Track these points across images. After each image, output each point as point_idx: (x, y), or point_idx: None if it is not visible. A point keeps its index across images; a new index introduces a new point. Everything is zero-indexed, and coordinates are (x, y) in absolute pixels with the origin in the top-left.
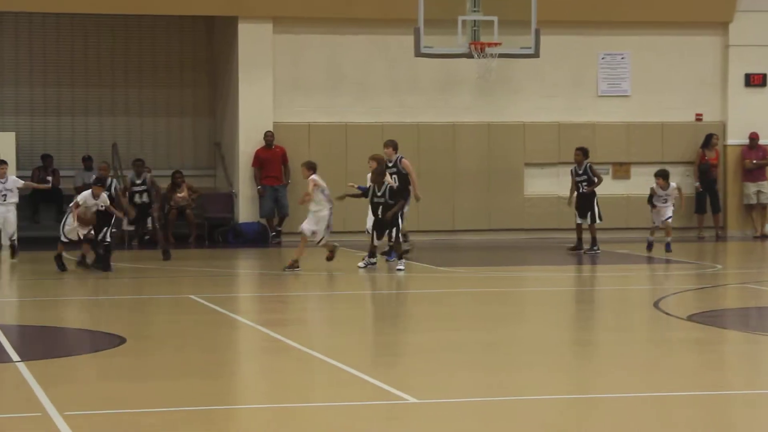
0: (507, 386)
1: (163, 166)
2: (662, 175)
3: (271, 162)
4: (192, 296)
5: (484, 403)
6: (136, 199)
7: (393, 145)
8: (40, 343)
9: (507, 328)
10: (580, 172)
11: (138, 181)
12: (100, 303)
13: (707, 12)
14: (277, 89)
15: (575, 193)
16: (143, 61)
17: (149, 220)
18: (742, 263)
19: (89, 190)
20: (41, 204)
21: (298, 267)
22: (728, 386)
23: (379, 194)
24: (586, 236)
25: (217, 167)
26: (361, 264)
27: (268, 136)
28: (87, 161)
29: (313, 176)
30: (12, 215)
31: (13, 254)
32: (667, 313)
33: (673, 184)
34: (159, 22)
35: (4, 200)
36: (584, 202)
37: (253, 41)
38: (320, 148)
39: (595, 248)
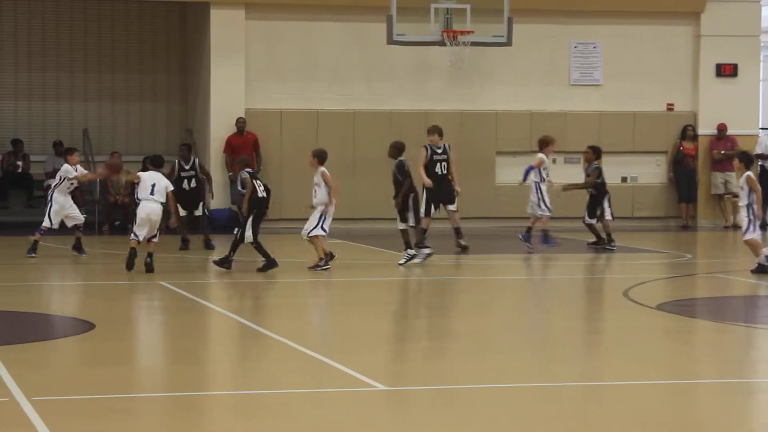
0: (475, 374)
1: (135, 151)
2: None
3: (243, 149)
4: (162, 282)
5: (453, 390)
6: (185, 185)
7: (438, 131)
8: (8, 328)
9: (476, 316)
10: (588, 172)
11: (186, 167)
12: (69, 288)
13: (679, 2)
14: (249, 75)
15: (580, 189)
16: (116, 46)
17: (200, 207)
18: (711, 253)
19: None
20: (11, 190)
21: (324, 263)
22: (697, 375)
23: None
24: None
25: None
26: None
27: (240, 123)
28: (58, 146)
29: (323, 169)
30: None
31: None
32: (636, 302)
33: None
34: (132, 7)
35: None
36: (592, 202)
37: (226, 27)
38: (292, 135)
39: (612, 244)
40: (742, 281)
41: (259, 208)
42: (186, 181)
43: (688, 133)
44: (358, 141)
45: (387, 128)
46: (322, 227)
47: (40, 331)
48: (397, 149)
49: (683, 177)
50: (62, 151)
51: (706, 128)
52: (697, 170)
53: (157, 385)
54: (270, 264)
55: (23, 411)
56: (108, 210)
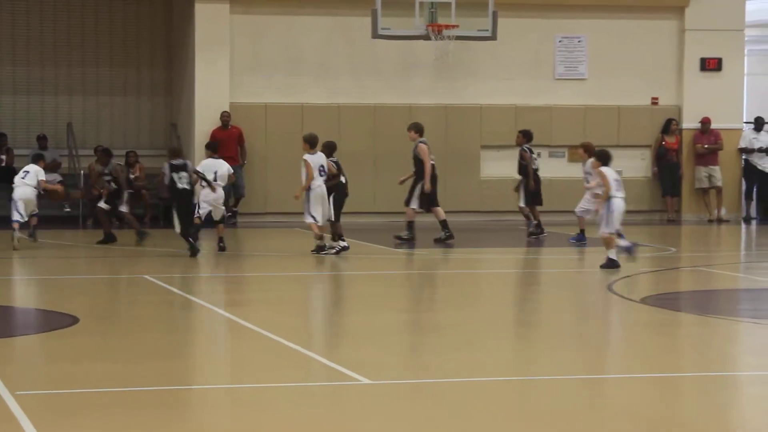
0: (460, 368)
1: (119, 145)
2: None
3: (227, 142)
4: (147, 276)
5: (438, 384)
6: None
7: (416, 128)
8: None
9: (461, 309)
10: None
11: (105, 171)
12: (53, 282)
13: None
14: (233, 69)
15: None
16: (100, 39)
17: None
18: (695, 247)
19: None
20: None
21: (324, 248)
22: (681, 368)
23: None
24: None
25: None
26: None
27: (225, 117)
28: (42, 140)
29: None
30: None
31: None
32: (620, 296)
33: None
34: (116, 1)
35: None
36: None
37: (210, 21)
38: (277, 129)
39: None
40: (727, 275)
41: (178, 199)
42: (107, 184)
43: (672, 127)
44: (343, 135)
45: (372, 123)
46: (309, 214)
47: (24, 326)
48: (327, 148)
49: (667, 171)
50: (46, 145)
51: (690, 122)
52: (681, 164)
53: (142, 379)
54: (193, 251)
55: (7, 405)
56: (92, 204)
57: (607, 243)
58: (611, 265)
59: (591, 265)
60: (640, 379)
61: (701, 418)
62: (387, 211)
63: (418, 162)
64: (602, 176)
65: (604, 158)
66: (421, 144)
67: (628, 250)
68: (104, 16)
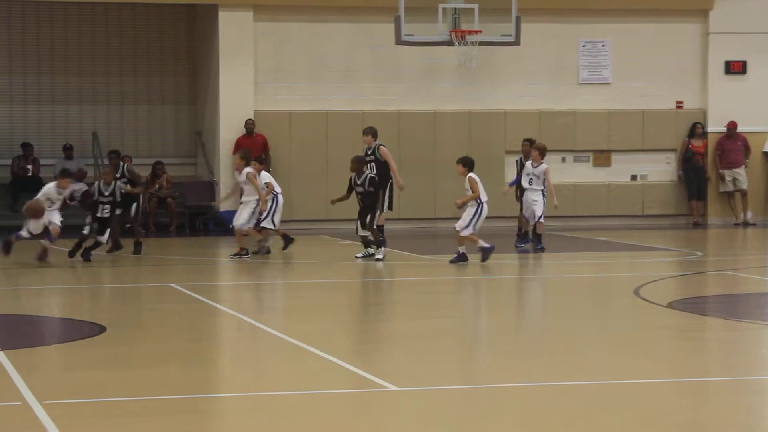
0: (488, 374)
1: (144, 154)
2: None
3: (253, 150)
4: (173, 285)
5: (465, 390)
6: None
7: (372, 132)
8: (20, 332)
9: (488, 316)
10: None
11: (117, 175)
12: (80, 292)
13: (687, 0)
14: (258, 77)
15: None
16: (124, 49)
17: (133, 208)
18: (721, 250)
19: (54, 183)
20: (21, 193)
21: (246, 254)
22: (708, 373)
23: (359, 183)
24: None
25: (198, 155)
26: (358, 255)
27: (249, 124)
28: (68, 150)
29: (248, 168)
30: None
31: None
32: (647, 300)
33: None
34: (139, 10)
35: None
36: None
37: (234, 29)
38: (301, 136)
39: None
40: (753, 278)
41: (94, 211)
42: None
43: (697, 131)
44: None
45: (396, 129)
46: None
47: (51, 335)
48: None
49: (693, 174)
50: (72, 155)
51: (715, 126)
52: (706, 168)
53: (168, 387)
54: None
55: (36, 415)
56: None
57: (470, 241)
58: (461, 259)
59: (617, 270)
60: (666, 384)
61: (728, 424)
62: (412, 218)
63: (381, 165)
64: (473, 182)
65: (470, 165)
66: (382, 146)
67: (489, 251)
68: (128, 25)
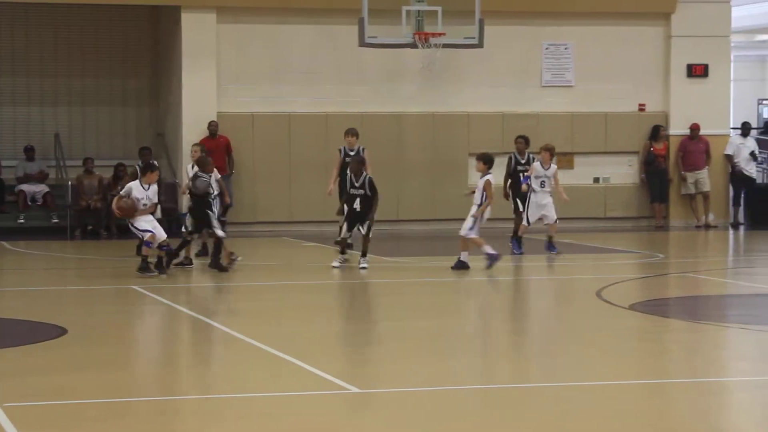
0: (449, 376)
1: (106, 156)
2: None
3: (215, 152)
4: (135, 287)
5: (427, 392)
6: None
7: (356, 133)
8: None
9: (449, 317)
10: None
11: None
12: (41, 293)
13: (650, 3)
14: (220, 79)
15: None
16: (86, 50)
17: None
18: (683, 253)
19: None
20: None
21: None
22: (670, 375)
23: (357, 185)
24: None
25: (161, 157)
26: (335, 263)
27: (212, 126)
28: (29, 151)
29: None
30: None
31: None
32: (609, 302)
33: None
34: (102, 11)
35: None
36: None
37: (197, 31)
38: (264, 138)
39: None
40: (714, 280)
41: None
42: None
43: (661, 133)
44: (330, 143)
45: (359, 131)
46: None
47: (12, 337)
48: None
49: (655, 177)
50: (33, 157)
51: (677, 128)
52: (668, 170)
53: (129, 390)
54: None
55: None
56: (80, 215)
57: (475, 244)
58: (462, 266)
59: (578, 272)
60: (628, 386)
61: (689, 424)
62: (375, 219)
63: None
64: (488, 186)
65: (490, 162)
66: (366, 150)
67: (495, 259)
68: (90, 26)
